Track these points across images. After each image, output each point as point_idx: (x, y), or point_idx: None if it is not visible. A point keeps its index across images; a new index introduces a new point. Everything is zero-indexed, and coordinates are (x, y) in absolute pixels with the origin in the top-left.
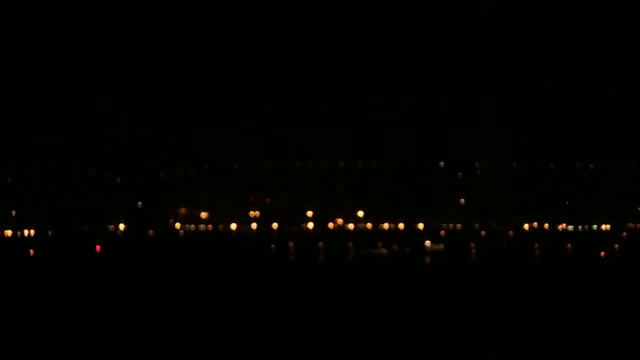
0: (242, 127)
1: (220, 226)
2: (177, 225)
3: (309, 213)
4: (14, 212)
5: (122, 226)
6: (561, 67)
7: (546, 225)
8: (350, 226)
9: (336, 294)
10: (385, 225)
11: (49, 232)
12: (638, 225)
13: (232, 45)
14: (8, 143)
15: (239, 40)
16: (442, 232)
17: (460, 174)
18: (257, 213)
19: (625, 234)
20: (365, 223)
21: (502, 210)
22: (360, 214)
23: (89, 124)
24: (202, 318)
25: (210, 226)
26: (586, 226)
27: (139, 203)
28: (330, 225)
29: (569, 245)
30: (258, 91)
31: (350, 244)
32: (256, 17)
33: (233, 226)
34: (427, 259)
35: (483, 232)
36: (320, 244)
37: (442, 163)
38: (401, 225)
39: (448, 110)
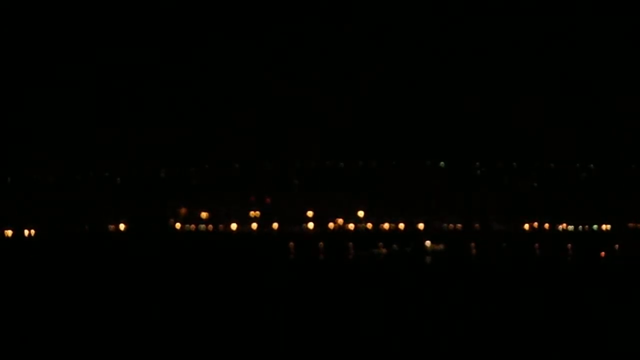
0: (242, 127)
1: (220, 226)
2: (177, 225)
3: (309, 213)
4: (14, 212)
5: (122, 226)
6: (562, 67)
7: (546, 225)
8: (350, 226)
9: (336, 294)
10: (386, 225)
11: (49, 232)
12: (638, 225)
13: (231, 45)
14: (8, 143)
15: (239, 41)
16: (442, 231)
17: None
18: (257, 213)
19: (625, 234)
20: (365, 223)
21: (502, 210)
22: (361, 214)
23: (89, 124)
24: (203, 317)
25: (210, 226)
26: (586, 226)
27: (139, 203)
28: (330, 225)
29: (569, 245)
30: (258, 91)
31: (350, 244)
32: (256, 17)
33: (233, 226)
34: (427, 259)
35: (483, 232)
36: (320, 244)
37: (442, 163)
38: (401, 225)
39: (448, 110)
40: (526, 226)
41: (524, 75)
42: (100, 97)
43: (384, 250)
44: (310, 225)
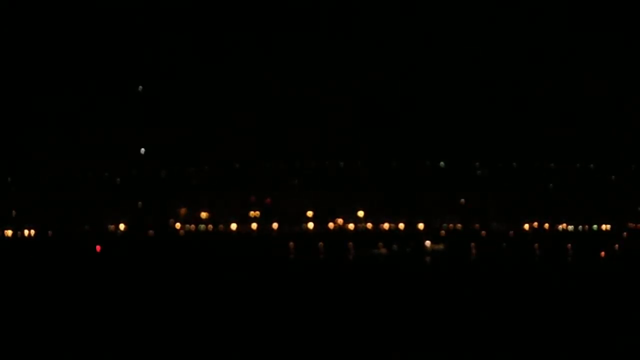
0: (242, 127)
1: (221, 226)
2: (177, 225)
3: (309, 213)
4: (14, 212)
5: (122, 226)
6: (561, 67)
7: (546, 225)
8: (350, 226)
9: (336, 294)
10: (386, 225)
11: (49, 232)
12: (638, 225)
13: (231, 45)
14: (8, 143)
15: (239, 41)
16: (442, 232)
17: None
18: (257, 213)
19: (625, 234)
20: (365, 223)
21: (502, 210)
22: (361, 214)
23: (89, 124)
24: (203, 317)
25: (210, 226)
26: (586, 226)
27: (139, 203)
28: (330, 225)
29: (569, 245)
30: (258, 91)
31: (350, 244)
32: (256, 17)
33: (233, 226)
34: (427, 259)
35: (483, 232)
36: (320, 244)
37: (442, 163)
38: (401, 225)
39: (448, 110)
40: (526, 226)
41: (524, 75)
42: (100, 96)
43: (384, 250)
44: (310, 225)
